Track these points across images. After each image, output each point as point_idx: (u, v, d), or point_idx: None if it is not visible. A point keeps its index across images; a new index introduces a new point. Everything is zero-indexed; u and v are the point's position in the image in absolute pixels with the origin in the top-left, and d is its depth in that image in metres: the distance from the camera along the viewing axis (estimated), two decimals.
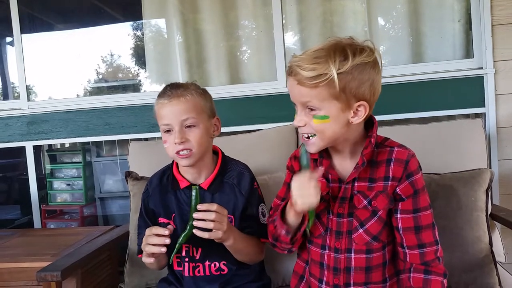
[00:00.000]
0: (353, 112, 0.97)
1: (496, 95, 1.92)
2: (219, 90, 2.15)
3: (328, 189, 1.07)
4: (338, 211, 1.06)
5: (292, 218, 1.03)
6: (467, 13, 2.04)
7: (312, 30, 2.22)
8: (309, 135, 1.00)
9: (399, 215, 1.03)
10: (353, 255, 1.05)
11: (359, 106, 0.96)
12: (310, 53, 0.95)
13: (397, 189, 1.02)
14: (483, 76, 1.93)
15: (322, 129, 0.97)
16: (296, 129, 1.79)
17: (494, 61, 1.91)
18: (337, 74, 0.91)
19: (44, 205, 2.44)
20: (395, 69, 2.04)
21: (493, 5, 1.90)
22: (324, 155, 1.08)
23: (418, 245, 1.01)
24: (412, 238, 1.01)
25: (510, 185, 1.94)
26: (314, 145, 1.00)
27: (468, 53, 2.06)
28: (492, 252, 1.36)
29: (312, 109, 0.97)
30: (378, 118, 1.09)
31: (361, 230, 1.04)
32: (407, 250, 1.02)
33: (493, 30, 1.91)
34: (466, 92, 1.94)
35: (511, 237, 1.86)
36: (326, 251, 1.07)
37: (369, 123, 1.06)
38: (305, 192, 0.96)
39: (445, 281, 1.00)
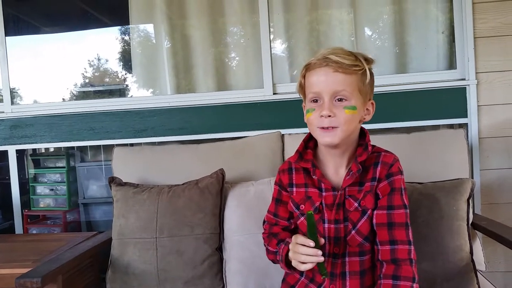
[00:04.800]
0: (366, 109, 1.07)
1: (478, 106, 1.95)
2: (206, 97, 2.15)
3: (321, 199, 1.10)
4: (335, 217, 1.08)
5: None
6: (450, 25, 2.08)
7: (299, 38, 2.24)
8: (332, 127, 1.01)
9: (375, 211, 1.07)
10: (347, 259, 1.08)
11: (369, 104, 1.09)
12: (338, 50, 1.02)
13: (377, 189, 1.07)
14: (465, 87, 1.96)
15: (350, 120, 1.02)
16: (282, 136, 1.81)
17: (476, 73, 1.95)
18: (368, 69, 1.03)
19: (26, 210, 2.40)
20: (380, 79, 2.04)
21: (475, 18, 1.94)
22: (316, 165, 1.10)
23: (389, 241, 1.04)
24: (384, 233, 1.05)
25: (491, 195, 1.96)
26: (336, 136, 1.02)
27: (451, 64, 2.09)
28: (472, 261, 1.37)
29: (341, 100, 1.01)
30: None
31: (353, 232, 1.07)
32: (379, 247, 1.05)
33: (475, 43, 1.95)
34: (449, 102, 1.97)
35: (492, 246, 1.89)
36: (326, 258, 1.09)
37: (360, 133, 1.12)
38: (301, 257, 0.98)
39: (415, 285, 1.00)
